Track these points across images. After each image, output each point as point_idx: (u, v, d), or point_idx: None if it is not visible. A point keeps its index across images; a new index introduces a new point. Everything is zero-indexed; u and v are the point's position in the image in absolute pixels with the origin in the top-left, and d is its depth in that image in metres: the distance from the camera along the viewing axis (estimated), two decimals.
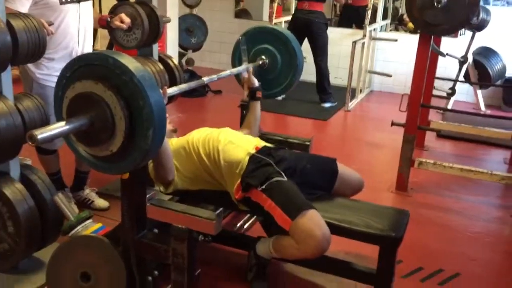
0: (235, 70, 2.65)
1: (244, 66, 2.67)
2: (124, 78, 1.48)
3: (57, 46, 2.54)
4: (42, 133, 1.40)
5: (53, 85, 2.46)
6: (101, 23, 2.77)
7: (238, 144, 2.28)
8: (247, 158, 2.21)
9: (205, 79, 2.40)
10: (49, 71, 2.56)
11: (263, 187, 2.08)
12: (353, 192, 2.42)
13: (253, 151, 2.26)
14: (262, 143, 2.38)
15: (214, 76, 2.44)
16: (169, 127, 2.31)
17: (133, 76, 1.47)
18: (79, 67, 1.56)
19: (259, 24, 3.05)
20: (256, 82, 2.66)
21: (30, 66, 2.53)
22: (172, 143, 2.32)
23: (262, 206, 2.09)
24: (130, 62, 1.49)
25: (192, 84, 2.34)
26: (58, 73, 2.39)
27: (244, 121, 2.72)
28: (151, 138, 1.50)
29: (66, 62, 2.50)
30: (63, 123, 1.49)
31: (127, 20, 2.72)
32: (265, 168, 2.16)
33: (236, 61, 2.91)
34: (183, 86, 2.25)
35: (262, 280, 2.29)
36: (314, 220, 1.98)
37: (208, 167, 2.23)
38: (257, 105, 2.70)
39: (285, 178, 2.13)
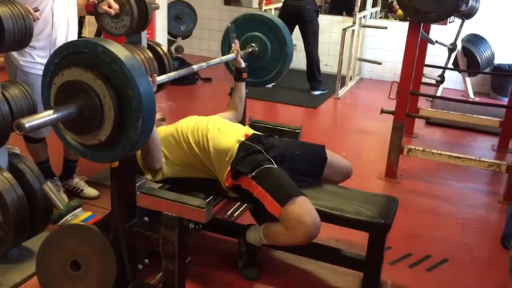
0: (225, 57, 2.63)
1: (233, 54, 2.66)
2: (114, 67, 1.47)
3: (39, 34, 2.50)
4: (29, 122, 1.39)
5: (37, 72, 2.47)
6: (88, 9, 2.73)
7: (227, 132, 2.28)
8: (236, 146, 2.21)
9: (195, 66, 2.39)
10: (32, 59, 2.54)
11: (253, 174, 2.09)
12: (342, 179, 2.44)
13: (242, 139, 2.26)
14: (252, 131, 2.38)
15: (204, 64, 2.43)
16: (157, 116, 2.30)
17: (123, 65, 1.46)
18: (68, 54, 1.54)
19: (248, 12, 3.03)
20: (242, 63, 2.66)
21: (14, 53, 2.50)
22: (161, 131, 2.31)
23: (252, 193, 2.10)
24: (119, 50, 1.48)
25: (182, 72, 2.33)
26: (42, 61, 2.38)
27: (230, 101, 2.73)
28: (140, 127, 1.50)
29: (48, 51, 2.51)
30: (51, 111, 1.47)
31: (115, 5, 2.69)
32: (255, 155, 2.16)
33: (225, 48, 2.89)
34: (173, 74, 2.23)
35: (253, 267, 2.30)
36: (303, 207, 1.99)
37: (198, 155, 2.22)
38: (242, 85, 2.71)
39: (275, 166, 2.14)
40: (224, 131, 2.27)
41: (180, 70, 2.31)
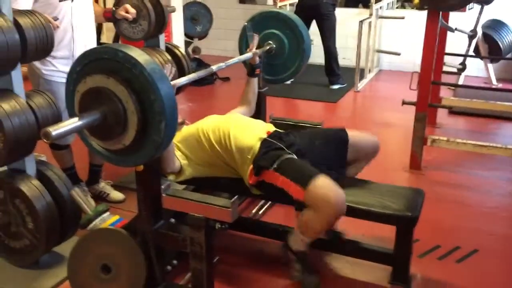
0: (243, 57, 2.64)
1: (251, 53, 2.66)
2: (135, 71, 1.48)
3: (59, 43, 2.53)
4: (56, 130, 1.41)
5: (60, 80, 2.50)
6: (106, 15, 2.77)
7: (249, 130, 2.28)
8: (258, 143, 2.21)
9: (214, 67, 2.40)
10: (54, 67, 2.58)
11: (274, 166, 2.09)
12: (369, 156, 2.40)
13: (264, 136, 2.26)
14: (273, 128, 2.38)
15: (222, 64, 2.43)
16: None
17: (143, 69, 1.47)
18: (89, 62, 1.57)
19: (264, 9, 3.02)
20: (257, 60, 2.67)
21: (36, 63, 2.55)
22: (182, 132, 2.33)
23: (276, 184, 2.09)
24: (139, 55, 1.50)
25: (201, 73, 2.34)
26: (64, 68, 2.41)
27: (243, 96, 2.73)
28: (163, 130, 1.51)
29: (69, 59, 2.54)
30: (76, 119, 1.50)
31: (132, 11, 2.71)
32: (276, 152, 2.17)
33: (243, 47, 2.89)
34: (192, 76, 2.24)
35: (310, 274, 2.22)
36: (325, 185, 1.99)
37: (221, 154, 2.23)
38: (255, 81, 2.73)
39: (295, 157, 2.15)
40: (246, 129, 2.27)
41: (199, 72, 2.32)
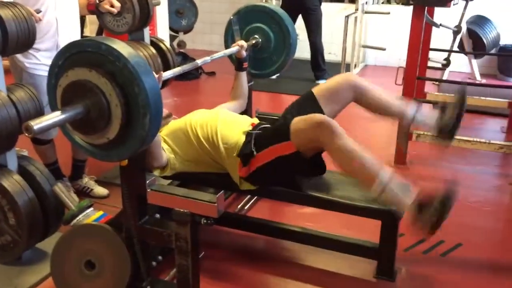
0: (228, 51, 2.62)
1: (236, 47, 2.64)
2: (118, 64, 1.46)
3: (43, 35, 2.48)
4: (38, 124, 1.39)
5: (43, 73, 2.46)
6: (89, 8, 2.72)
7: (235, 126, 2.27)
8: (243, 138, 2.21)
9: (199, 61, 2.38)
10: (38, 60, 2.53)
11: (255, 147, 2.11)
12: (347, 96, 2.28)
13: (248, 129, 2.26)
14: (257, 121, 2.37)
15: (208, 58, 2.41)
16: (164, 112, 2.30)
17: (127, 62, 1.45)
18: (71, 55, 1.54)
19: (250, 3, 3.00)
20: (244, 54, 2.65)
21: (19, 56, 2.50)
22: (169, 126, 2.30)
23: (269, 161, 2.08)
24: (123, 47, 1.48)
25: (186, 67, 2.32)
26: (47, 62, 2.37)
27: (232, 91, 2.72)
28: (148, 124, 1.49)
29: (53, 51, 2.49)
30: (58, 112, 1.47)
31: (117, 4, 2.67)
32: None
33: (229, 41, 2.87)
34: (177, 70, 2.22)
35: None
36: (301, 120, 2.01)
37: (208, 150, 2.22)
38: (244, 75, 2.72)
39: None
40: (233, 125, 2.26)
41: (184, 65, 2.30)
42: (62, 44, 2.50)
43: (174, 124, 2.32)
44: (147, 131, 1.51)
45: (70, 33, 2.62)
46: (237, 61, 2.68)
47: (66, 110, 1.49)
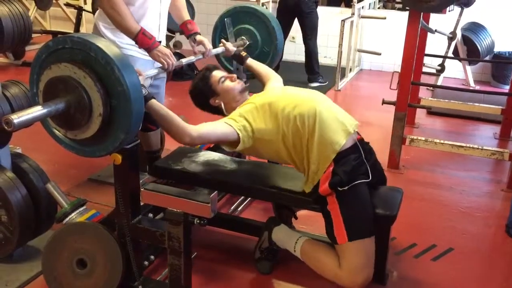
0: (214, 50, 2.63)
1: (222, 48, 2.65)
2: (101, 61, 1.50)
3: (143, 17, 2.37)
4: (18, 117, 1.40)
5: (136, 54, 2.38)
6: None
7: (336, 120, 2.04)
8: (343, 140, 2.00)
9: (184, 60, 2.45)
10: (130, 41, 2.31)
11: (346, 188, 1.93)
12: None
13: (352, 132, 2.06)
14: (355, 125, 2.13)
15: (193, 58, 2.51)
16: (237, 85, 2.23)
17: (109, 58, 1.50)
18: (54, 50, 1.57)
19: (238, 3, 3.01)
20: (231, 47, 2.62)
21: (109, 35, 2.37)
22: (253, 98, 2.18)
23: (327, 203, 1.98)
24: (106, 45, 1.53)
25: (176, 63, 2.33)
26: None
27: (259, 79, 2.55)
28: (129, 118, 1.54)
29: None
30: (39, 106, 1.50)
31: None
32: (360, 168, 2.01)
33: (216, 40, 2.89)
34: (153, 71, 2.23)
35: (268, 261, 2.26)
36: (367, 255, 1.93)
37: (299, 133, 1.99)
38: (252, 62, 2.60)
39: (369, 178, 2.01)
40: (333, 120, 2.03)
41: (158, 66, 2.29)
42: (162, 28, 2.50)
43: (261, 99, 2.12)
44: (128, 127, 1.56)
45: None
46: (234, 58, 2.67)
47: (47, 105, 1.51)
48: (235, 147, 2.05)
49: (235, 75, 2.30)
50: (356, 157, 2.02)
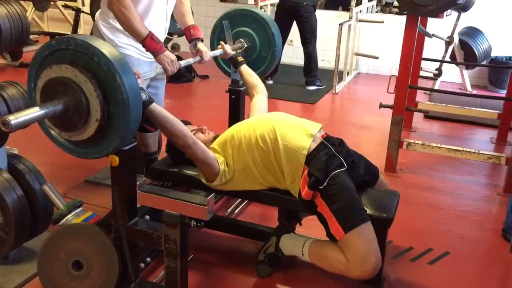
0: (212, 53, 2.63)
1: (220, 50, 2.65)
2: (99, 62, 1.50)
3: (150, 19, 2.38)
4: (16, 119, 1.40)
5: (134, 54, 2.38)
6: None
7: (294, 126, 2.13)
8: (309, 140, 2.06)
9: (182, 62, 2.40)
10: (129, 41, 2.37)
11: (325, 184, 1.95)
12: None
13: (318, 133, 2.12)
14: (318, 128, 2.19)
15: (191, 60, 2.48)
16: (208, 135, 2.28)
17: (107, 59, 1.49)
18: (52, 52, 1.57)
19: (237, 6, 3.01)
20: (229, 50, 2.63)
21: (108, 34, 2.36)
22: (220, 137, 2.21)
23: (317, 205, 2.00)
24: (102, 46, 1.53)
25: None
26: (139, 45, 2.27)
27: (248, 87, 2.60)
28: (127, 120, 1.53)
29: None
30: (37, 108, 1.49)
31: None
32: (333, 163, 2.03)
33: (215, 43, 2.89)
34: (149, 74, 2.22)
35: (268, 266, 2.25)
36: (368, 240, 1.91)
37: (264, 150, 2.06)
38: (245, 69, 2.64)
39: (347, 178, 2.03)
40: (291, 126, 2.12)
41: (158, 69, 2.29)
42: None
43: (225, 134, 2.20)
44: (126, 128, 1.55)
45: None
46: (230, 61, 2.68)
47: (45, 106, 1.50)
48: (212, 180, 2.09)
49: (204, 127, 2.34)
50: (325, 152, 2.05)
